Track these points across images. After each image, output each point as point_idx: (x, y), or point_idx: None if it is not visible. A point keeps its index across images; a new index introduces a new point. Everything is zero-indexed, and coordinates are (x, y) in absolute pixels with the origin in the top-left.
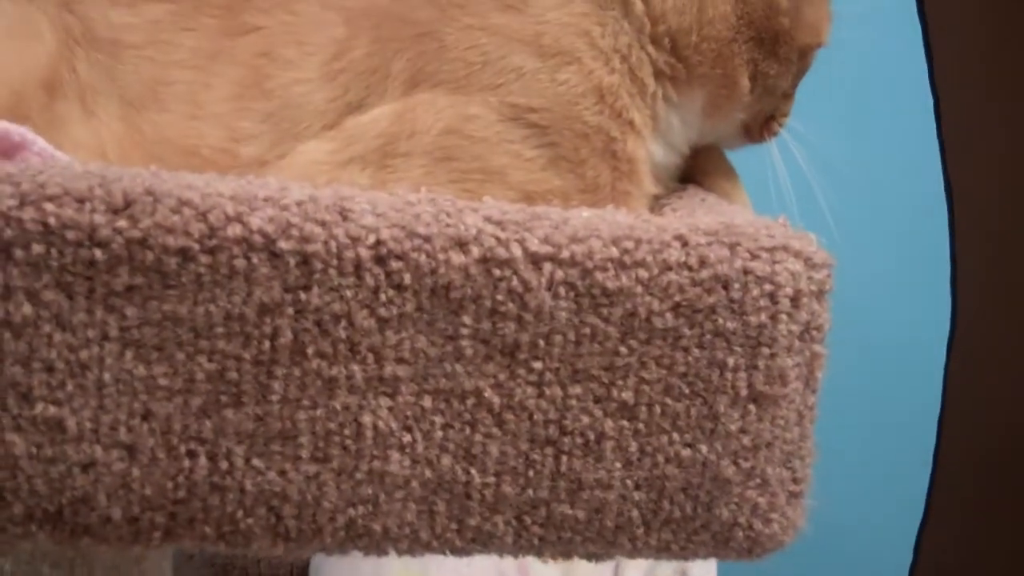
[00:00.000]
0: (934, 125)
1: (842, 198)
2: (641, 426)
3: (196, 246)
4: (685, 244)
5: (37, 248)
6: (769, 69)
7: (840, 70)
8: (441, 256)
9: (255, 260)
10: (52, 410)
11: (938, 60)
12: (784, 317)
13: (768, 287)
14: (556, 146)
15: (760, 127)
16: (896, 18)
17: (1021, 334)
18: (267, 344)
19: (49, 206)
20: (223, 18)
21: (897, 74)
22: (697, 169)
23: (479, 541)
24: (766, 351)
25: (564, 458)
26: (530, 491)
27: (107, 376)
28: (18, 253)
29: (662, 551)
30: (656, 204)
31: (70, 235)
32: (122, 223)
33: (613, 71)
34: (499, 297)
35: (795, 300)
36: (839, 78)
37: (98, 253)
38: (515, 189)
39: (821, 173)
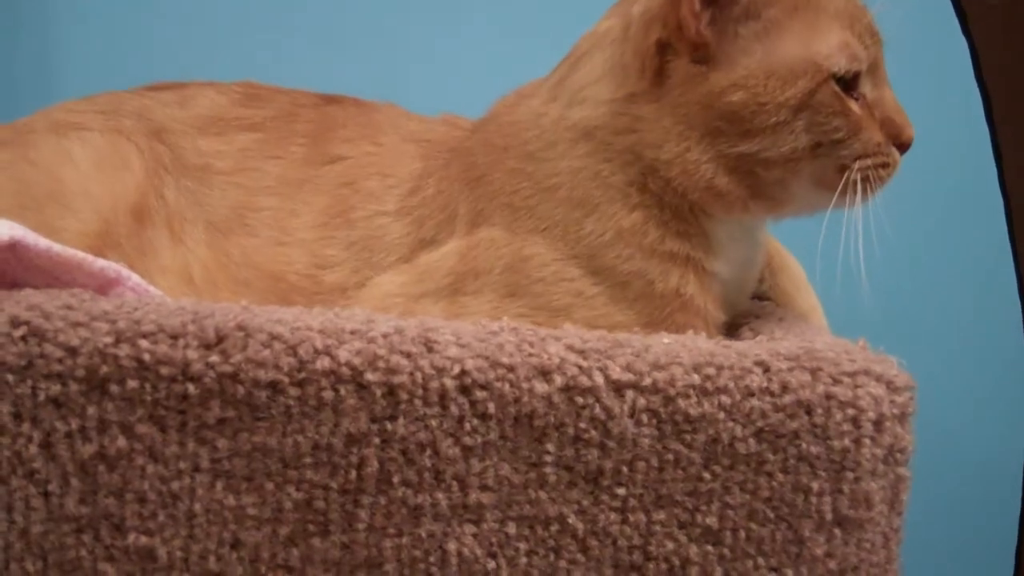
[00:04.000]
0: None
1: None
2: (726, 551)
3: (286, 379)
4: (767, 370)
5: (132, 383)
6: (749, 149)
7: (910, 175)
8: (525, 385)
9: (343, 392)
10: (144, 540)
11: (1008, 162)
12: (867, 441)
13: (851, 412)
14: (610, 287)
15: (833, 178)
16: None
17: None
18: (354, 473)
19: (144, 343)
20: (309, 147)
21: (967, 176)
22: (777, 289)
23: None
24: (850, 475)
25: None
26: None
27: (198, 506)
28: (113, 388)
29: None
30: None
31: (164, 370)
32: (214, 358)
33: (633, 208)
34: (582, 424)
35: (878, 424)
36: (910, 182)
37: (191, 387)
38: (581, 324)
39: (894, 288)
